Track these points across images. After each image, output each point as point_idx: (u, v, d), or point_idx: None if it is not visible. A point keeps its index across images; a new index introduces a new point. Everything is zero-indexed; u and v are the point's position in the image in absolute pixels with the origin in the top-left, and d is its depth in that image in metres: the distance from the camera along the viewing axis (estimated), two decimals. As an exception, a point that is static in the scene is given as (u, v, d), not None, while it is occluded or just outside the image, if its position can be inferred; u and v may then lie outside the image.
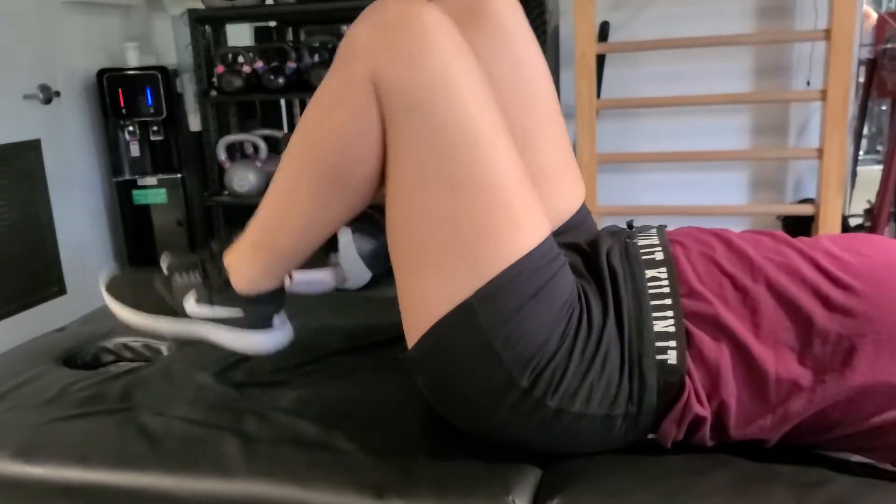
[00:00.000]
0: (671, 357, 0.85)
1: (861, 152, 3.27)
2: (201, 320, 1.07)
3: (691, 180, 3.03)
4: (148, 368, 1.24)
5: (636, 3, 2.96)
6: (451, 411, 0.93)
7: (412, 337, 0.91)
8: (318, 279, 1.12)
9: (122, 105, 3.11)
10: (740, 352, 0.85)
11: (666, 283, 0.89)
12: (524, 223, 0.86)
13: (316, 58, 3.02)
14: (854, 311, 0.82)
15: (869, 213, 2.88)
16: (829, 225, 2.60)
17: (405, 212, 0.88)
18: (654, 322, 0.86)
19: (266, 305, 1.07)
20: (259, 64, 2.97)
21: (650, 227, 1.01)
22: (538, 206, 0.89)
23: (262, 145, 3.02)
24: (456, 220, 0.84)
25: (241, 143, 3.18)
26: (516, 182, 0.86)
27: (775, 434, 0.86)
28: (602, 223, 1.17)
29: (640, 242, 0.95)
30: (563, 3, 2.95)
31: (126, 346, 1.38)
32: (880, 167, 2.85)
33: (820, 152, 2.60)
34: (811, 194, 2.90)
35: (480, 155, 0.84)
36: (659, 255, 0.92)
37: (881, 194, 2.79)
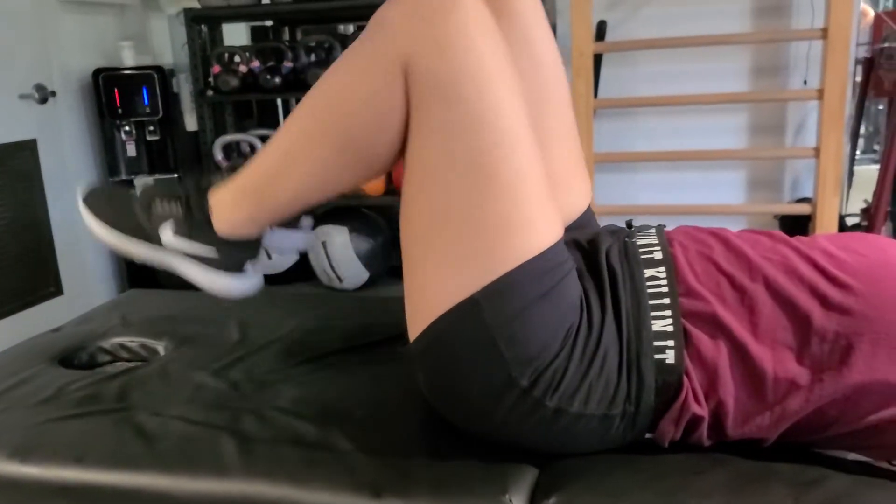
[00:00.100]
0: (669, 357, 0.85)
1: (858, 152, 3.28)
2: (175, 252, 1.06)
3: (688, 180, 3.03)
4: (144, 368, 1.24)
5: (633, 3, 2.96)
6: (450, 408, 0.93)
7: (415, 329, 0.90)
8: (291, 240, 1.11)
9: (119, 105, 3.11)
10: (738, 351, 0.85)
11: (664, 282, 0.89)
12: (539, 224, 0.86)
13: (312, 57, 3.02)
14: (851, 309, 0.82)
15: (866, 212, 2.89)
16: (825, 224, 2.60)
17: (421, 198, 0.88)
18: (653, 322, 0.86)
19: (242, 251, 1.06)
20: (255, 63, 2.97)
21: (649, 227, 1.01)
22: (553, 207, 0.89)
23: (259, 145, 3.02)
24: (472, 214, 0.84)
25: (237, 143, 3.18)
26: (536, 182, 0.86)
27: (773, 433, 0.86)
28: (600, 223, 1.17)
29: (640, 242, 0.95)
30: (560, 2, 2.95)
31: (122, 346, 1.38)
32: (877, 166, 2.86)
33: (817, 151, 2.61)
34: (808, 194, 2.90)
35: (505, 152, 0.84)
36: (658, 255, 0.92)
37: (878, 194, 2.79)
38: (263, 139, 3.07)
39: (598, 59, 2.87)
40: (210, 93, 3.05)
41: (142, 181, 1.00)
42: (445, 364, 0.88)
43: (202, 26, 3.11)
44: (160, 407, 1.07)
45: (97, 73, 3.10)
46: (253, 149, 3.06)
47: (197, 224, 1.04)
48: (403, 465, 0.90)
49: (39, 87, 2.89)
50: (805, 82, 2.83)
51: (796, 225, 2.73)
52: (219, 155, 3.03)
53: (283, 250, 1.12)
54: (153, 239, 1.07)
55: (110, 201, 1.10)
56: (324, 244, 2.91)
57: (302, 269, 3.07)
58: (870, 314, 0.82)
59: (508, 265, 0.84)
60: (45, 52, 2.95)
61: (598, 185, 2.84)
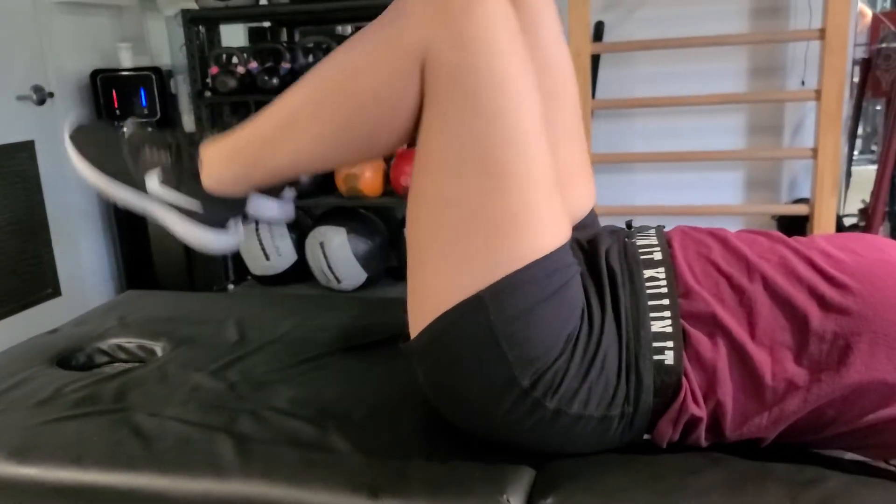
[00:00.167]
0: (668, 357, 0.85)
1: (856, 152, 3.28)
2: (158, 201, 1.06)
3: (686, 180, 3.03)
4: (142, 369, 1.24)
5: (631, 3, 2.96)
6: (449, 406, 0.93)
7: (417, 324, 0.90)
8: (271, 208, 1.10)
9: (116, 106, 3.10)
10: (737, 352, 0.85)
11: (664, 283, 0.89)
12: (548, 225, 0.86)
13: (310, 58, 3.02)
14: (849, 309, 0.83)
15: (863, 212, 2.89)
16: (823, 225, 2.61)
17: (431, 190, 0.87)
18: (652, 323, 0.86)
19: (227, 208, 1.06)
20: (253, 64, 2.97)
21: (649, 228, 1.01)
22: (563, 209, 0.89)
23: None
24: (482, 210, 0.84)
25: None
26: (547, 183, 0.86)
27: (771, 433, 0.86)
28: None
29: (639, 242, 0.95)
30: (558, 2, 2.94)
31: (120, 347, 1.38)
32: (875, 167, 2.86)
33: (814, 152, 2.61)
34: (806, 194, 2.90)
35: (519, 150, 0.84)
36: (657, 256, 0.92)
37: (875, 194, 2.79)
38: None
39: (595, 60, 2.87)
40: (208, 94, 3.04)
41: (131, 122, 0.98)
42: (447, 361, 0.88)
43: (200, 27, 3.11)
44: (158, 408, 1.07)
45: (95, 74, 3.09)
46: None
47: (185, 175, 1.03)
48: (401, 465, 0.90)
49: (37, 89, 2.89)
50: (803, 83, 2.83)
51: (794, 225, 2.73)
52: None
53: (262, 217, 1.11)
54: (138, 185, 1.06)
55: (98, 141, 1.08)
56: (322, 245, 2.90)
57: (300, 270, 3.07)
58: (868, 314, 0.82)
59: (516, 264, 0.83)
60: (43, 53, 2.95)
61: (595, 186, 2.83)
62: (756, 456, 0.87)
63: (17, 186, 2.84)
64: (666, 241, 0.95)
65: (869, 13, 3.09)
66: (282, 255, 3.04)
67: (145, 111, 3.10)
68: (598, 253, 0.94)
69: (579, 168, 1.11)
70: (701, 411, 0.85)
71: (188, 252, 3.28)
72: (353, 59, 0.91)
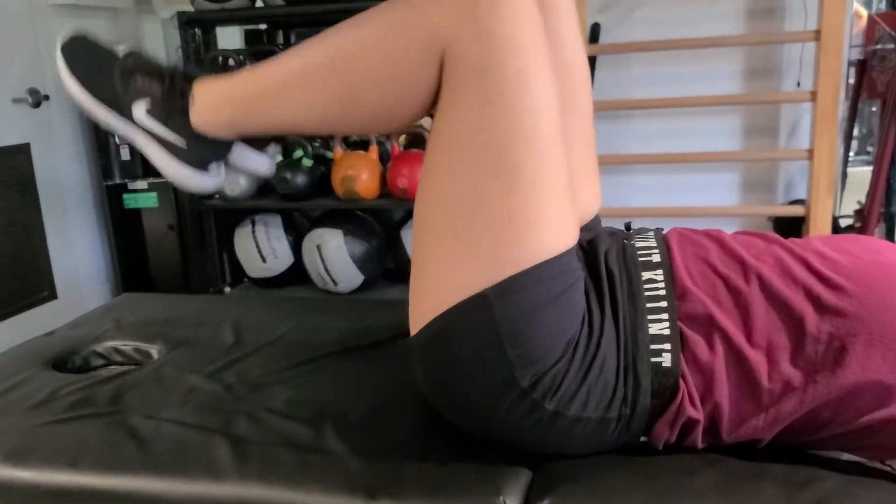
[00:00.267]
0: (666, 360, 0.85)
1: (851, 153, 3.29)
2: (143, 130, 1.04)
3: (682, 182, 3.04)
4: (138, 372, 1.23)
5: (627, 5, 2.97)
6: (448, 404, 0.93)
7: (419, 320, 0.89)
8: (253, 161, 1.09)
9: (113, 108, 3.10)
10: (734, 354, 0.85)
11: (662, 285, 0.89)
12: (558, 226, 0.86)
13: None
14: (845, 311, 0.83)
15: (859, 213, 2.90)
16: (819, 226, 2.61)
17: (443, 185, 0.87)
18: (650, 325, 0.86)
19: (211, 150, 1.04)
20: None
21: (648, 230, 1.01)
22: (573, 212, 0.89)
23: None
24: (495, 208, 0.83)
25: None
26: (560, 185, 0.86)
27: (767, 434, 0.86)
28: (595, 225, 1.17)
29: (638, 244, 0.95)
30: (554, 5, 2.95)
31: (116, 350, 1.37)
32: (870, 168, 2.86)
33: (810, 153, 2.61)
34: (802, 195, 2.91)
35: (536, 151, 0.83)
36: (656, 258, 0.92)
37: (871, 195, 2.80)
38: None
39: (591, 62, 2.88)
40: (204, 96, 3.03)
41: (127, 45, 0.95)
42: (448, 358, 0.88)
43: (196, 30, 3.11)
44: (154, 410, 1.07)
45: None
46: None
47: (174, 110, 1.01)
48: (398, 467, 0.90)
49: (33, 91, 2.88)
50: (798, 84, 2.84)
51: (790, 226, 2.74)
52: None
53: (242, 168, 1.09)
54: (124, 112, 1.04)
55: (91, 57, 1.06)
56: (318, 247, 2.90)
57: (296, 273, 3.07)
58: (863, 315, 0.82)
59: (523, 264, 0.83)
60: (39, 55, 2.95)
61: (594, 188, 2.83)
62: (752, 457, 0.88)
63: (12, 189, 2.84)
64: (664, 243, 0.95)
65: (864, 14, 3.10)
66: (278, 257, 3.04)
67: (141, 113, 3.10)
68: (598, 254, 0.94)
69: (590, 171, 1.11)
70: (698, 413, 0.85)
71: (184, 254, 3.28)
72: (372, 33, 0.89)
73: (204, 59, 3.08)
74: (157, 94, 1.02)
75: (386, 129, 0.95)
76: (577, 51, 1.07)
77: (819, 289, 0.84)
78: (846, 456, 0.89)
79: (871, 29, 2.97)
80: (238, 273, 3.23)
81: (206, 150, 1.03)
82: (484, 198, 0.83)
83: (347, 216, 3.00)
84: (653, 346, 0.85)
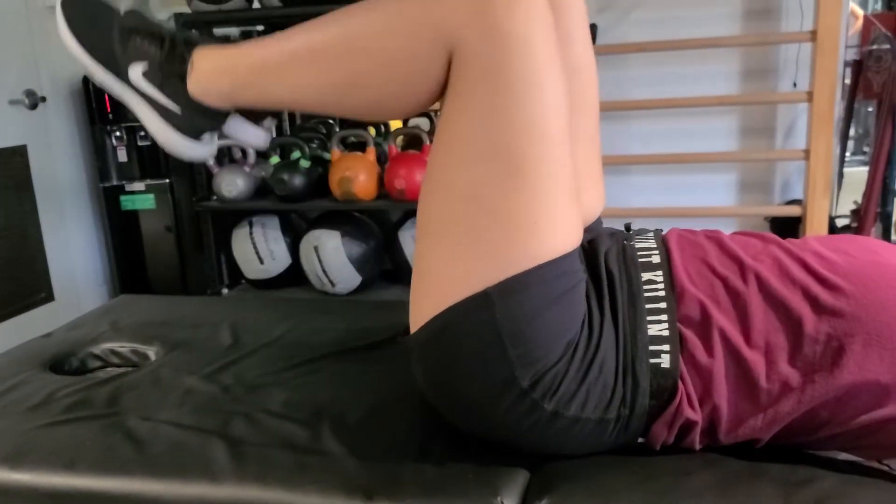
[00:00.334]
0: (664, 361, 0.85)
1: (847, 153, 3.29)
2: (138, 92, 1.03)
3: (679, 182, 3.04)
4: (135, 373, 1.23)
5: (624, 6, 2.97)
6: (447, 403, 0.93)
7: (420, 318, 0.89)
8: (248, 133, 1.08)
9: (109, 110, 3.10)
10: (732, 355, 0.85)
11: (661, 286, 0.89)
12: (563, 227, 0.86)
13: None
14: (843, 311, 0.83)
15: (855, 213, 2.90)
16: (816, 226, 2.61)
17: (448, 183, 0.86)
18: (649, 326, 0.86)
19: (205, 119, 1.03)
20: (247, 68, 2.96)
21: (647, 231, 1.01)
22: (578, 214, 0.89)
23: (251, 150, 3.01)
24: (498, 206, 0.83)
25: (228, 148, 3.17)
26: (566, 186, 0.86)
27: (766, 434, 0.86)
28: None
29: (638, 245, 0.95)
30: (551, 6, 2.95)
31: (113, 352, 1.37)
32: (866, 168, 2.87)
33: (807, 153, 2.62)
34: (798, 195, 2.91)
35: (544, 151, 0.83)
36: (656, 259, 0.92)
37: (867, 195, 2.80)
38: (254, 144, 3.05)
39: (589, 63, 2.87)
40: (201, 98, 3.03)
41: (129, 4, 0.95)
42: (448, 356, 0.87)
43: (193, 31, 3.11)
44: (151, 412, 1.07)
45: (87, 78, 3.08)
46: (244, 153, 3.05)
47: (171, 75, 1.00)
48: (395, 468, 0.90)
49: (29, 93, 2.88)
50: (795, 85, 2.84)
51: (787, 226, 2.74)
52: (210, 160, 3.03)
53: (237, 139, 1.08)
54: (121, 72, 1.03)
55: (91, 14, 1.04)
56: (316, 249, 2.90)
57: (294, 274, 3.07)
58: (861, 315, 0.82)
59: (527, 264, 0.83)
60: (36, 57, 2.95)
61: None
62: (750, 457, 0.88)
63: (9, 191, 2.84)
64: (664, 244, 0.95)
65: (860, 13, 3.11)
66: (276, 258, 3.04)
67: (138, 115, 3.09)
68: (598, 255, 0.94)
69: (594, 173, 1.11)
70: (696, 415, 0.85)
71: (182, 256, 3.28)
72: (383, 20, 0.88)
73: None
74: (156, 57, 1.00)
75: (386, 115, 0.94)
76: (587, 52, 1.07)
77: (817, 289, 0.84)
78: (844, 455, 0.90)
79: (867, 29, 2.97)
80: (235, 274, 3.22)
81: (200, 119, 1.02)
82: (489, 196, 0.83)
83: (345, 217, 3.00)
84: (652, 347, 0.85)
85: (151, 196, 3.21)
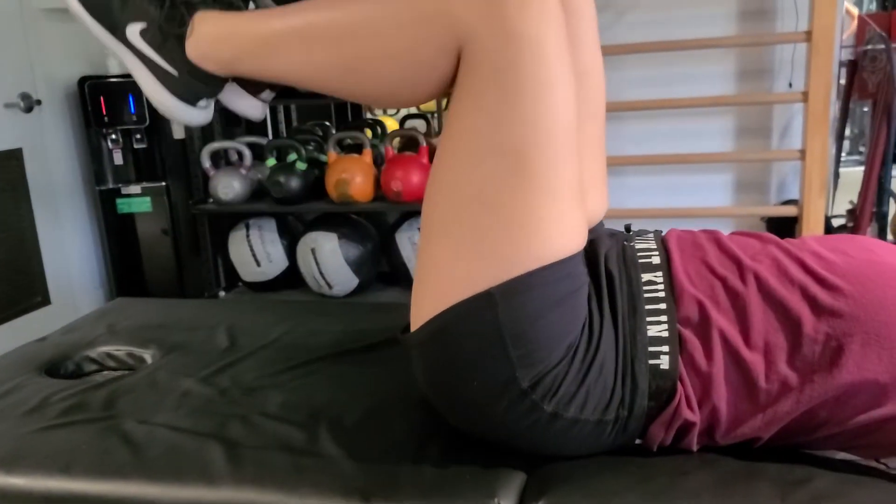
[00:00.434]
0: (664, 362, 0.85)
1: (843, 153, 3.30)
2: (134, 52, 1.01)
3: (676, 183, 3.04)
4: (131, 377, 1.23)
5: (619, 7, 2.97)
6: (446, 402, 0.92)
7: (421, 316, 0.89)
8: (246, 104, 1.07)
9: (105, 113, 3.09)
10: (732, 355, 0.85)
11: (661, 287, 0.89)
12: (568, 229, 0.85)
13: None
14: (841, 311, 0.83)
15: (852, 213, 2.91)
16: (812, 226, 2.62)
17: (454, 182, 0.86)
18: (648, 327, 0.86)
19: (203, 85, 1.01)
20: (243, 70, 2.96)
21: (647, 231, 1.01)
22: (583, 216, 0.89)
23: (247, 153, 3.01)
24: (507, 207, 0.83)
25: (225, 151, 3.17)
26: (572, 188, 0.85)
27: (764, 434, 0.86)
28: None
29: (638, 246, 0.95)
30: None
31: (109, 355, 1.37)
32: (862, 168, 2.87)
33: (802, 154, 2.62)
34: (794, 195, 2.92)
35: (551, 153, 0.83)
36: (656, 260, 0.92)
37: (863, 195, 2.81)
38: (251, 146, 3.06)
39: (584, 64, 2.87)
40: (197, 100, 3.03)
41: None
42: (449, 355, 0.87)
43: None
44: (147, 415, 1.07)
45: (83, 81, 3.08)
46: (241, 156, 3.04)
47: (169, 38, 0.98)
48: (392, 470, 0.90)
49: (25, 96, 2.88)
50: (790, 85, 2.85)
51: (783, 227, 2.75)
52: (206, 162, 3.02)
53: (232, 109, 1.07)
54: (118, 32, 1.01)
55: None
56: (313, 251, 2.90)
57: (291, 276, 3.07)
58: (859, 315, 0.82)
59: (531, 265, 0.83)
60: (31, 60, 2.94)
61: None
62: (747, 456, 0.88)
63: (5, 194, 2.83)
64: (664, 245, 0.95)
65: (855, 12, 3.11)
66: (273, 261, 3.03)
67: (134, 118, 3.09)
68: (598, 256, 0.94)
69: (599, 177, 1.11)
70: (695, 416, 0.85)
71: (178, 259, 3.27)
72: (394, 8, 0.87)
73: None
74: (155, 17, 0.99)
75: (388, 103, 0.93)
76: (595, 56, 1.07)
77: (815, 289, 0.84)
78: (841, 455, 0.90)
79: (862, 30, 2.98)
80: (232, 277, 3.22)
81: (198, 85, 1.01)
82: (495, 196, 0.83)
83: (342, 219, 3.00)
84: (651, 349, 0.85)
85: (148, 199, 3.20)
